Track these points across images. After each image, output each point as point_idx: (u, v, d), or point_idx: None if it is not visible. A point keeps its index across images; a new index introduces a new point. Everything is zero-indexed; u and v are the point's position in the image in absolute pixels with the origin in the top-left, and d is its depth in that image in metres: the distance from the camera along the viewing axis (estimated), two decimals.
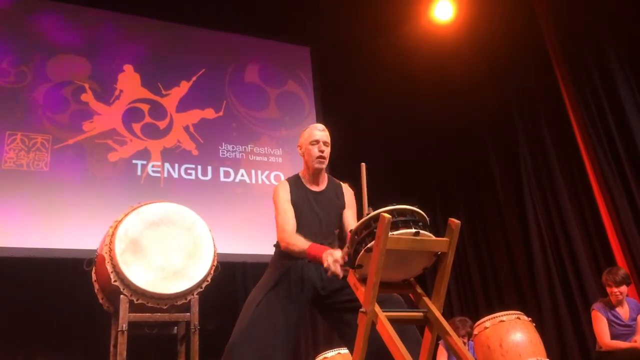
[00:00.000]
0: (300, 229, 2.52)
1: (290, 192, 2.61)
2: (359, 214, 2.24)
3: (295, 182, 2.67)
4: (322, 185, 2.70)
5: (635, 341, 3.89)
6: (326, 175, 2.73)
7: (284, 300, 2.45)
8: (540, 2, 5.68)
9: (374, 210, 1.92)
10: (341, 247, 2.22)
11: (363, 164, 2.32)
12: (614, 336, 3.98)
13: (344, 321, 2.48)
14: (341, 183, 2.78)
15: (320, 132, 2.65)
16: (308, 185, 2.67)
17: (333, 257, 2.11)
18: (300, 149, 2.69)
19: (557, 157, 5.59)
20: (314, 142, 2.62)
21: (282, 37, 6.67)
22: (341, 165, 4.01)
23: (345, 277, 2.10)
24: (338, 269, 2.09)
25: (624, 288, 4.00)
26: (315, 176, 2.67)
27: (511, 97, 6.19)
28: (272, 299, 2.43)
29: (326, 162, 2.65)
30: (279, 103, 6.35)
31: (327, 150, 2.64)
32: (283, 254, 2.55)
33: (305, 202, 2.61)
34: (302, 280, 2.50)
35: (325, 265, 2.13)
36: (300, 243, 2.36)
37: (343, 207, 2.70)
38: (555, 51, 5.55)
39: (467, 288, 6.56)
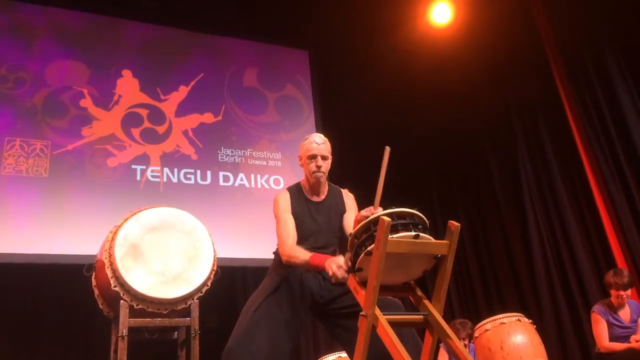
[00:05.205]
0: (302, 240, 2.51)
1: (291, 202, 2.60)
2: (374, 197, 2.19)
3: (295, 192, 2.66)
4: (323, 195, 2.69)
5: (636, 341, 3.88)
6: (326, 184, 2.72)
7: (284, 306, 2.45)
8: (538, 4, 5.69)
9: (385, 209, 1.92)
10: (341, 250, 2.21)
11: (387, 148, 2.22)
12: (614, 338, 3.97)
13: (343, 327, 2.47)
14: (341, 189, 2.77)
15: (317, 145, 2.60)
16: (308, 196, 2.66)
17: (337, 264, 2.11)
18: (300, 161, 2.68)
19: (557, 160, 5.59)
20: (311, 158, 2.59)
21: (280, 41, 6.67)
22: (340, 167, 3.99)
23: (343, 284, 2.09)
24: (344, 274, 2.09)
25: (629, 291, 4.00)
26: (315, 187, 2.66)
27: (510, 99, 6.19)
28: (271, 304, 2.42)
29: (324, 175, 2.62)
30: (277, 107, 6.35)
31: (326, 164, 2.61)
32: (282, 262, 2.54)
33: (306, 213, 2.60)
34: (302, 287, 2.50)
35: (330, 273, 2.13)
36: (302, 255, 2.35)
37: (344, 212, 2.69)
38: (553, 53, 5.55)
39: (468, 290, 6.56)
